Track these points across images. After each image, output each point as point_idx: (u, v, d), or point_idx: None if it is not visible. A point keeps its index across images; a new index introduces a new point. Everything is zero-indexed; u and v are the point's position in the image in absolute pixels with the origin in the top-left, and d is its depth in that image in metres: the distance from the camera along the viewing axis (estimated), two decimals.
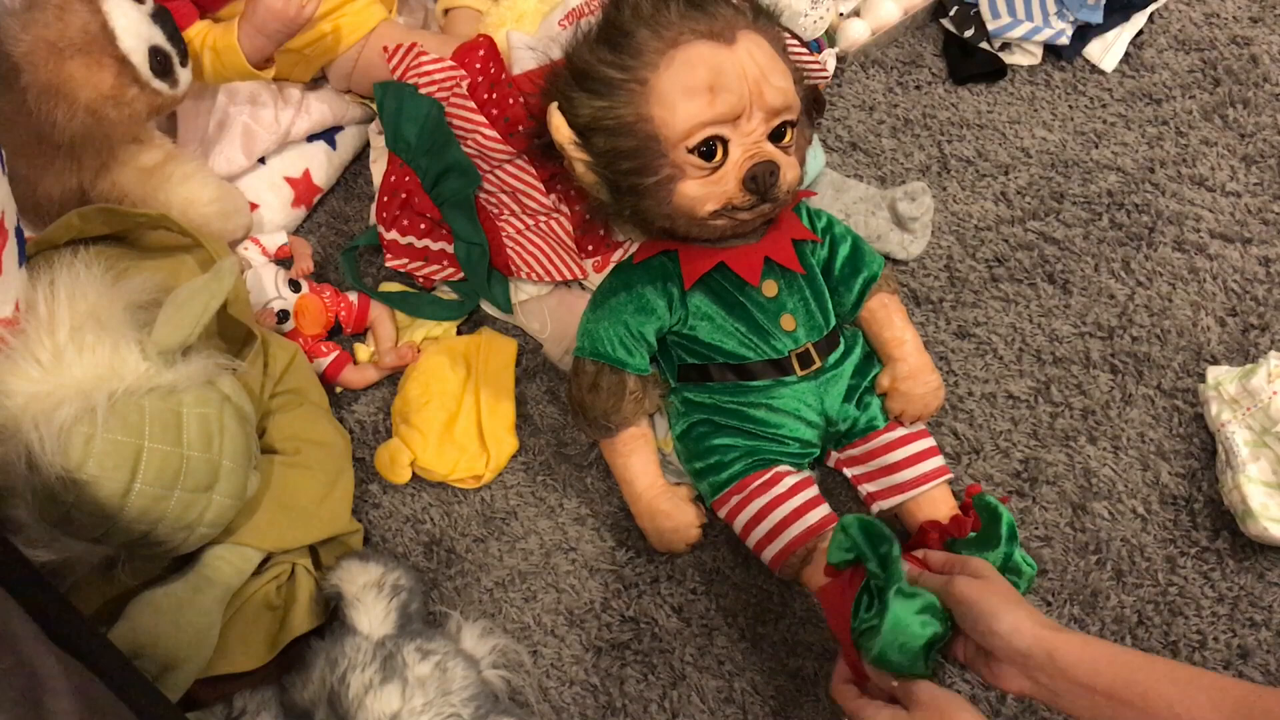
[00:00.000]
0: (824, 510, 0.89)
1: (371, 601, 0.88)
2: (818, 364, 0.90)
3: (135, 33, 0.93)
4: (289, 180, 1.17)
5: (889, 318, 0.93)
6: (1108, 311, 1.07)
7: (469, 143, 1.03)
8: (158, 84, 0.96)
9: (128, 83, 0.94)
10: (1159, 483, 0.98)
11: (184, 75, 0.99)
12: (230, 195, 1.10)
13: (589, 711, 0.93)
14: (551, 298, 1.07)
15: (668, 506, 0.92)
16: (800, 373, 0.89)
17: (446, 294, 1.12)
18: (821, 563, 0.81)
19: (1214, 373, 1.00)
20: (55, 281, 0.81)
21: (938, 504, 0.92)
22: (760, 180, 0.81)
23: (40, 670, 0.51)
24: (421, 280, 1.11)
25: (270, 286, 1.08)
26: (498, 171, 1.04)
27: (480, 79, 1.05)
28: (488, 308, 1.11)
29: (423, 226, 1.07)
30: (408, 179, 1.06)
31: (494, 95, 1.04)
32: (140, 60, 0.94)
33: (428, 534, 1.02)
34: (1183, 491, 0.98)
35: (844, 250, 0.93)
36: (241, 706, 0.88)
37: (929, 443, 0.94)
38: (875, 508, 0.95)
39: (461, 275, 1.08)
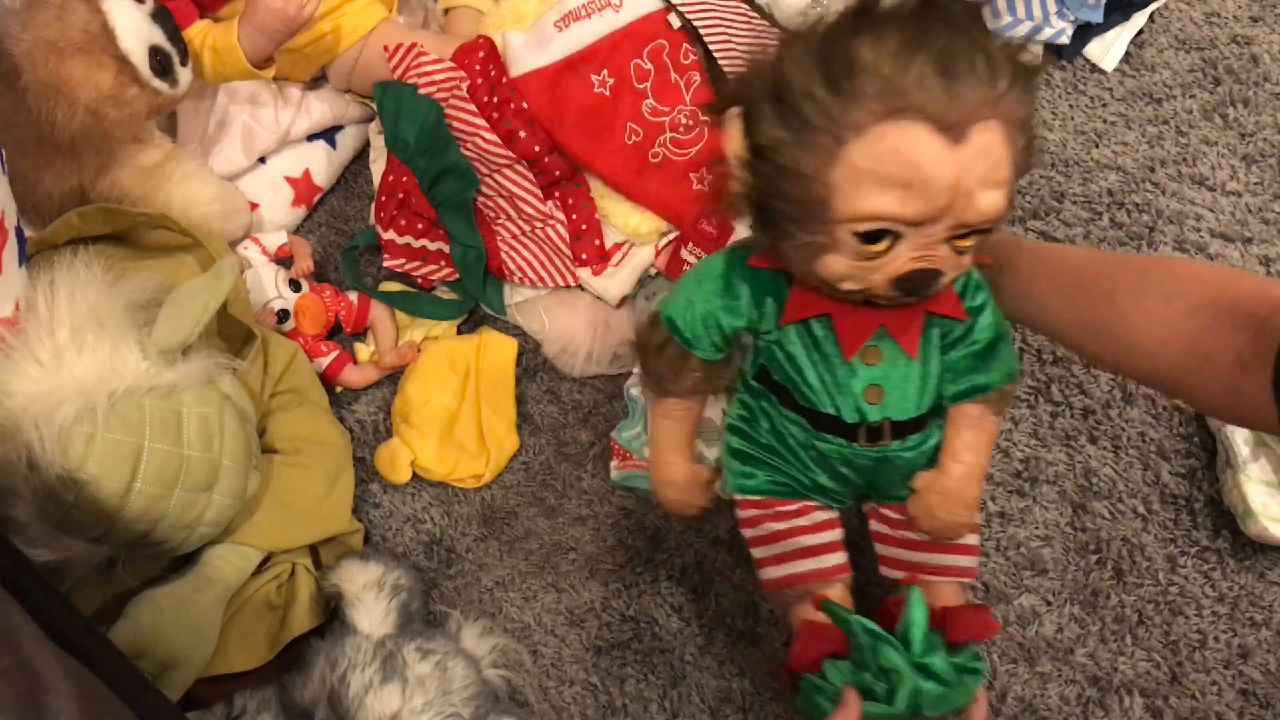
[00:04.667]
0: (841, 557, 0.82)
1: (371, 601, 0.88)
2: (887, 442, 0.80)
3: (135, 32, 0.93)
4: (289, 180, 1.17)
5: (966, 432, 0.81)
6: None
7: (468, 146, 1.03)
8: (158, 83, 0.96)
9: (128, 82, 0.94)
10: (1159, 482, 0.98)
11: (184, 75, 0.99)
12: (230, 195, 1.10)
13: (589, 711, 0.93)
14: (550, 298, 1.07)
15: (678, 479, 0.86)
16: (864, 445, 0.80)
17: (446, 294, 1.12)
18: (814, 611, 0.80)
19: None
20: (55, 281, 0.81)
21: (940, 597, 0.83)
22: (915, 285, 0.70)
23: (40, 670, 0.51)
24: (420, 280, 1.10)
25: (270, 286, 1.07)
26: (496, 176, 1.04)
27: (480, 81, 1.05)
28: (488, 307, 1.11)
29: (420, 226, 1.07)
30: (405, 179, 1.06)
31: (494, 99, 1.03)
32: (140, 60, 0.94)
33: (428, 534, 1.02)
34: (1183, 491, 0.98)
35: (974, 347, 0.80)
36: (241, 706, 0.88)
37: (969, 540, 0.86)
38: (882, 570, 0.87)
39: (459, 275, 1.08)
